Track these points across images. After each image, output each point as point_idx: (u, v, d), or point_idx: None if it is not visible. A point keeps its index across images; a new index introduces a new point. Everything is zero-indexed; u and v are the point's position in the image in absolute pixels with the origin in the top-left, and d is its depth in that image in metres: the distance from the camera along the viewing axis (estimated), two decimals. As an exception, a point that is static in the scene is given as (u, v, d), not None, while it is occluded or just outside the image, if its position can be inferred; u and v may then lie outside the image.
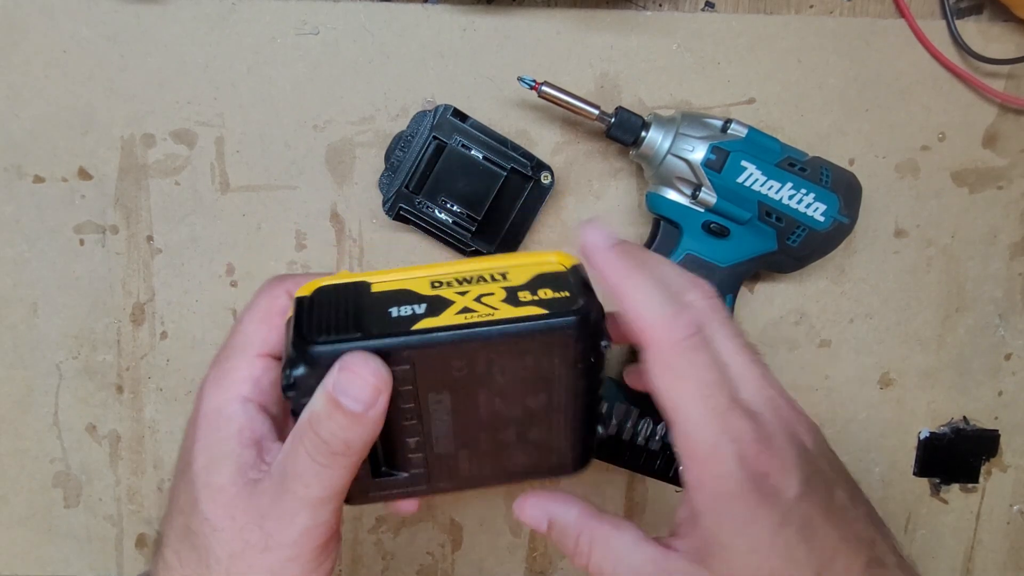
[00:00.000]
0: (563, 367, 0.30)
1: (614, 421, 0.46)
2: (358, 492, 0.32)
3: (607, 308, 0.31)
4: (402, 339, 0.28)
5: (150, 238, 0.51)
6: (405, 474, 0.32)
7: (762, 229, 0.47)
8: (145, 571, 0.35)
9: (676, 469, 0.47)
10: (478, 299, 0.30)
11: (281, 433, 0.32)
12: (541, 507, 0.32)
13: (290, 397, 0.29)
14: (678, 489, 0.52)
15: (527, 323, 0.28)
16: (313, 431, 0.28)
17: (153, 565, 0.33)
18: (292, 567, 0.30)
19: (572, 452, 0.33)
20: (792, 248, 0.48)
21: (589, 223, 0.32)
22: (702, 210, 0.47)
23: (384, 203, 0.49)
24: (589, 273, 0.31)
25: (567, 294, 0.30)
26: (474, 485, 0.33)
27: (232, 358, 0.32)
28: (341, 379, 0.28)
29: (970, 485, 0.58)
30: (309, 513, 0.29)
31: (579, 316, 0.29)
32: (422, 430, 0.31)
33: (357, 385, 0.27)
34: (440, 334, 0.28)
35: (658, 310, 0.29)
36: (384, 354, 0.28)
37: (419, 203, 0.49)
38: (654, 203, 0.49)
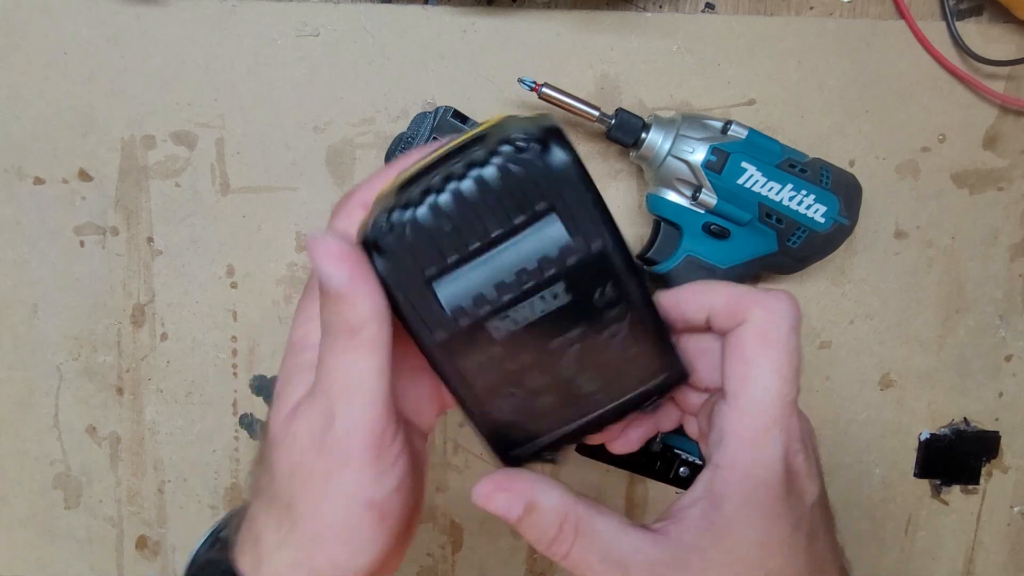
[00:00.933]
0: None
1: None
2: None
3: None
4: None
5: (150, 239, 0.51)
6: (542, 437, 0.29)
7: (762, 230, 0.47)
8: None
9: (676, 471, 0.47)
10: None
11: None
12: (516, 490, 0.29)
13: None
14: (679, 491, 0.52)
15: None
16: (321, 319, 0.28)
17: (251, 489, 0.33)
18: (347, 469, 0.28)
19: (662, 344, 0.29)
20: (792, 249, 0.48)
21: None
22: (702, 211, 0.47)
23: (384, 204, 0.49)
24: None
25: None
26: (604, 421, 0.29)
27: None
28: (310, 259, 0.27)
29: (971, 486, 0.58)
30: (343, 409, 0.28)
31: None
32: (548, 369, 0.28)
33: (319, 262, 0.26)
34: None
35: (762, 291, 0.29)
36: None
37: (419, 204, 0.49)
38: (654, 204, 0.49)
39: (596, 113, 0.47)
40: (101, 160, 0.50)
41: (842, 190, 0.47)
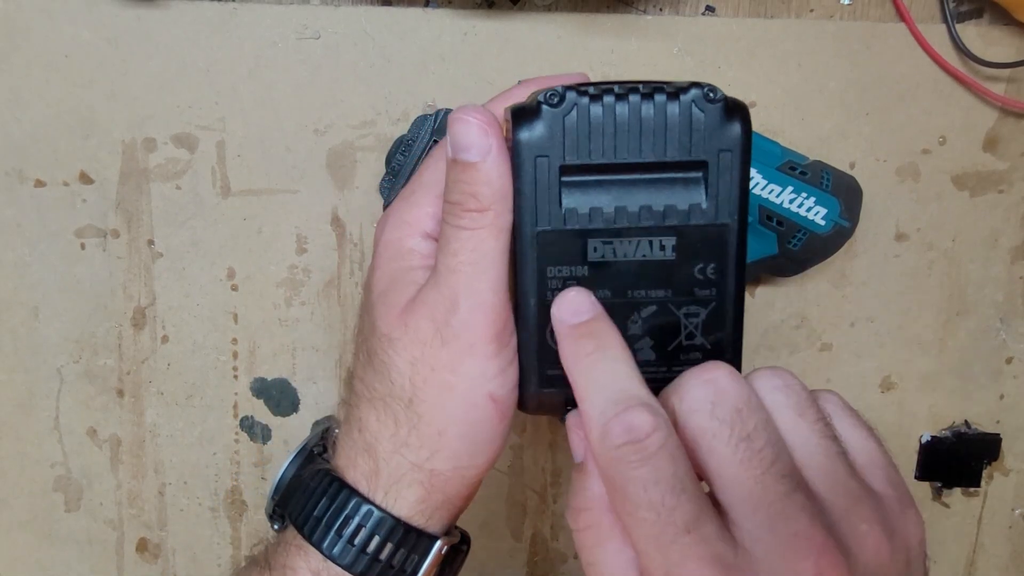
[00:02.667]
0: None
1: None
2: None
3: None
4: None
5: (151, 242, 0.51)
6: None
7: (763, 233, 0.47)
8: (330, 416, 0.35)
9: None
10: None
11: None
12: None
13: None
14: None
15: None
16: (446, 200, 0.28)
17: (342, 401, 0.33)
18: (471, 360, 0.28)
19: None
20: (793, 252, 0.48)
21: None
22: (703, 214, 0.47)
23: (385, 207, 0.49)
24: None
25: None
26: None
27: (417, 192, 0.31)
28: (452, 132, 0.27)
29: (972, 489, 0.58)
30: (468, 291, 0.28)
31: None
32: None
33: (463, 132, 0.26)
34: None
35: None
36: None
37: (420, 207, 0.49)
38: (655, 207, 0.49)
39: (597, 116, 0.47)
40: (102, 163, 0.50)
41: (842, 192, 0.47)
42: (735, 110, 0.26)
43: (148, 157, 0.50)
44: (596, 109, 0.26)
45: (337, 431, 0.33)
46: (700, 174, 0.26)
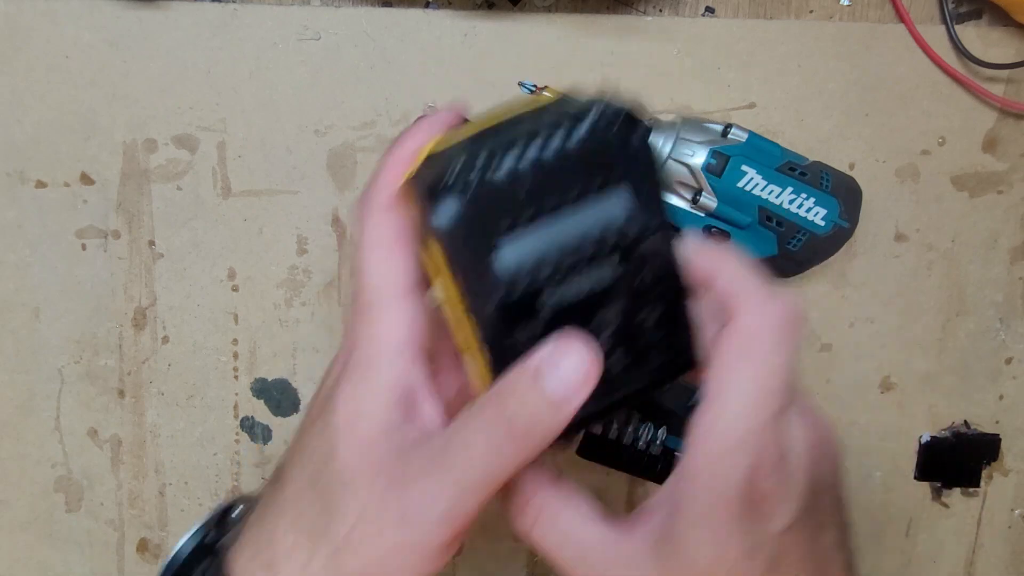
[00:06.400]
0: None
1: (615, 425, 0.46)
2: None
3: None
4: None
5: (152, 243, 0.51)
6: None
7: (762, 234, 0.47)
8: (243, 497, 0.33)
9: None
10: None
11: (436, 378, 0.29)
12: None
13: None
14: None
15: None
16: (499, 404, 0.25)
17: (267, 484, 0.30)
18: (412, 555, 0.26)
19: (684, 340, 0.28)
20: (793, 252, 0.48)
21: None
22: (702, 215, 0.47)
23: (385, 208, 0.49)
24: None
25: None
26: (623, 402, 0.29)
27: (375, 305, 0.28)
28: (553, 355, 0.25)
29: (971, 489, 0.58)
30: (458, 496, 0.26)
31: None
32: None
33: (568, 368, 0.25)
34: None
35: (762, 286, 0.27)
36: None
37: (420, 207, 0.49)
38: (655, 207, 0.49)
39: (596, 117, 0.47)
40: (103, 164, 0.50)
41: (842, 193, 0.47)
42: (630, 123, 0.26)
43: (149, 158, 0.50)
44: (501, 173, 0.25)
45: (244, 518, 0.30)
46: (625, 189, 0.26)
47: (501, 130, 0.27)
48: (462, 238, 0.25)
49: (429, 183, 0.26)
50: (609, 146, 0.26)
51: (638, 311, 0.27)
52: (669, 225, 0.27)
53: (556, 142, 0.25)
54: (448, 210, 0.25)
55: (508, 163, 0.25)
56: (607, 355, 0.27)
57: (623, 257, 0.26)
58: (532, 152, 0.25)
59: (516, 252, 0.26)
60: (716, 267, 0.28)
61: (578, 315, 0.27)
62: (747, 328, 0.27)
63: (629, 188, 0.26)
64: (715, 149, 0.46)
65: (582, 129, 0.25)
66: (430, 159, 0.27)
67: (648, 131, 0.26)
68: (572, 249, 0.26)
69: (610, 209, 0.26)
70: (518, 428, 0.25)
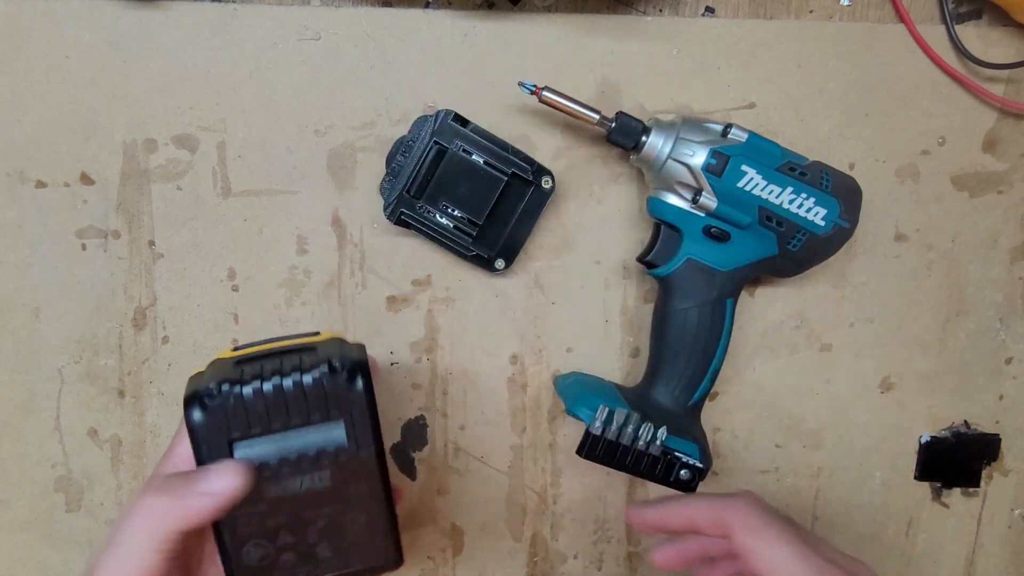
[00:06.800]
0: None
1: (615, 426, 0.46)
2: None
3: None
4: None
5: (152, 243, 0.51)
6: None
7: (762, 233, 0.47)
8: None
9: (677, 474, 0.47)
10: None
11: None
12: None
13: None
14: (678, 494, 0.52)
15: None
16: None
17: None
18: None
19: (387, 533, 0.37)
20: (793, 252, 0.48)
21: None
22: (703, 214, 0.47)
23: (385, 208, 0.49)
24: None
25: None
26: None
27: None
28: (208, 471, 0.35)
29: (971, 489, 0.58)
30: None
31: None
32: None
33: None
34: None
35: (723, 503, 0.41)
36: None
37: (420, 208, 0.49)
38: (655, 207, 0.49)
39: (596, 116, 0.47)
40: (103, 164, 0.50)
41: (842, 193, 0.47)
42: (355, 372, 0.35)
43: (149, 158, 0.50)
44: (249, 392, 0.34)
45: None
46: (340, 423, 0.35)
47: (268, 357, 0.36)
48: (205, 435, 0.35)
49: (195, 387, 0.35)
50: (335, 389, 0.35)
51: (345, 514, 0.36)
52: (376, 454, 0.36)
53: (297, 378, 0.34)
54: (199, 412, 0.35)
55: (257, 385, 0.34)
56: (315, 542, 0.36)
57: (334, 473, 0.35)
58: (278, 381, 0.34)
59: (247, 452, 0.35)
60: (687, 511, 0.42)
61: (297, 506, 0.35)
62: (747, 526, 0.39)
63: (345, 423, 0.35)
64: (715, 149, 0.46)
65: (318, 372, 0.35)
66: (212, 364, 0.37)
67: (369, 380, 0.35)
68: (292, 460, 0.35)
69: (327, 436, 0.35)
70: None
